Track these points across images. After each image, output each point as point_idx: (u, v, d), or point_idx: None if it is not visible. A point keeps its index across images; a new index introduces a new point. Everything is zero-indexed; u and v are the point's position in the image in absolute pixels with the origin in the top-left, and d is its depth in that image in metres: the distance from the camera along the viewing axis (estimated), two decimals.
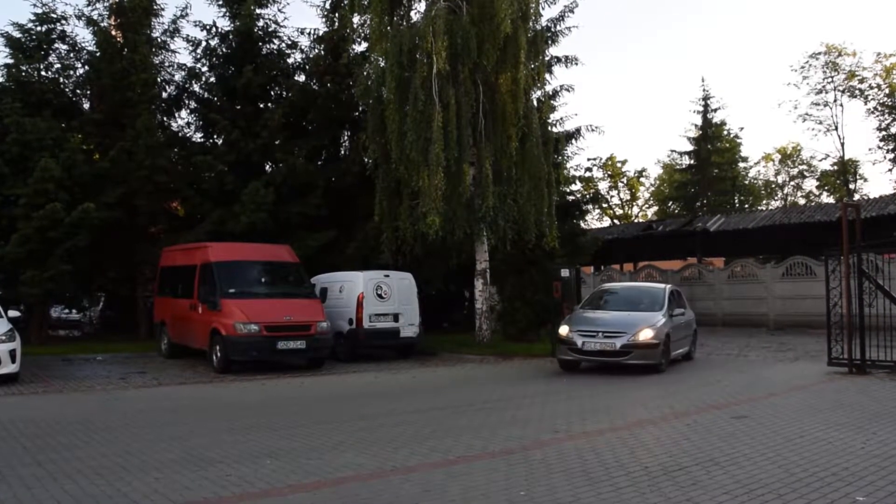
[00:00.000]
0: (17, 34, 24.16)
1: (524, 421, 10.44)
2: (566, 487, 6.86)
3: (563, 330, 16.36)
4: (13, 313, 16.32)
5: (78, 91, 26.12)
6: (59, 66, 25.40)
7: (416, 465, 7.87)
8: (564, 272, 20.22)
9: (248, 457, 8.28)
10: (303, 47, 28.05)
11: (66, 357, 19.63)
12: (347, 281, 19.63)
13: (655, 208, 63.98)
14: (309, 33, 27.99)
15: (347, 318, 19.01)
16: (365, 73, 22.78)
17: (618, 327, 15.93)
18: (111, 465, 7.89)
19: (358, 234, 24.06)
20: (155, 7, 25.85)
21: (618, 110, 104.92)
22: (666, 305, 16.88)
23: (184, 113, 27.94)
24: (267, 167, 26.30)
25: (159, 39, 26.36)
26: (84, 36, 25.30)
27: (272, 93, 27.41)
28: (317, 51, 27.85)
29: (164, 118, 27.09)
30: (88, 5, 25.23)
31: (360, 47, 26.60)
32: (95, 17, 25.28)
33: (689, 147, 54.45)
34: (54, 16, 24.70)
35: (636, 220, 59.47)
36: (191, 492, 6.87)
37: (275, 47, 27.45)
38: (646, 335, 15.56)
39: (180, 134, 27.48)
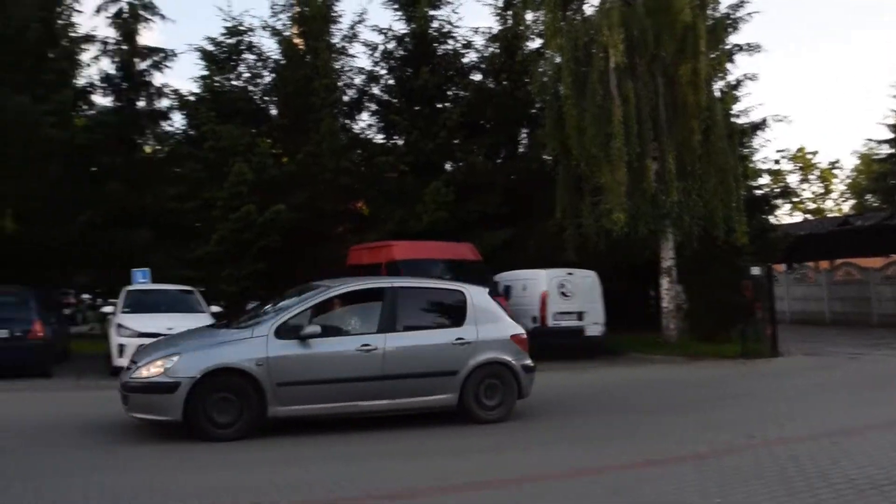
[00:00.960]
0: (210, 48, 25.61)
1: (716, 425, 10.04)
2: (764, 497, 6.53)
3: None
4: (214, 309, 17.52)
5: (266, 98, 27.22)
6: (247, 75, 26.62)
7: (605, 467, 7.79)
8: (755, 270, 19.38)
9: (371, 455, 8.48)
10: (477, 46, 28.17)
11: None
12: (530, 279, 19.59)
13: (852, 202, 60.19)
14: (483, 32, 28.16)
15: (531, 317, 18.93)
16: (540, 70, 22.76)
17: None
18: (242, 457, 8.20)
19: (538, 232, 24.01)
20: (334, 14, 26.62)
21: (806, 99, 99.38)
22: (279, 319, 9.65)
23: (365, 115, 28.58)
24: (447, 166, 26.69)
25: (339, 45, 27.15)
26: (269, 46, 26.49)
27: (449, 93, 27.71)
28: (491, 49, 27.97)
29: (346, 121, 27.83)
30: (273, 16, 26.31)
31: (535, 44, 26.44)
32: (279, 28, 26.31)
33: (889, 135, 50.75)
34: (242, 28, 25.91)
35: (831, 215, 56.20)
36: (317, 489, 7.07)
37: (450, 48, 27.71)
38: (150, 371, 9.14)
39: (362, 136, 28.17)
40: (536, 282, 19.28)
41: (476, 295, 10.84)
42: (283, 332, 9.45)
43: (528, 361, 10.67)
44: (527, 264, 21.42)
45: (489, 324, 10.58)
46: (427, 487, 7.03)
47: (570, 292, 19.17)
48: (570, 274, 19.52)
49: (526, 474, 7.51)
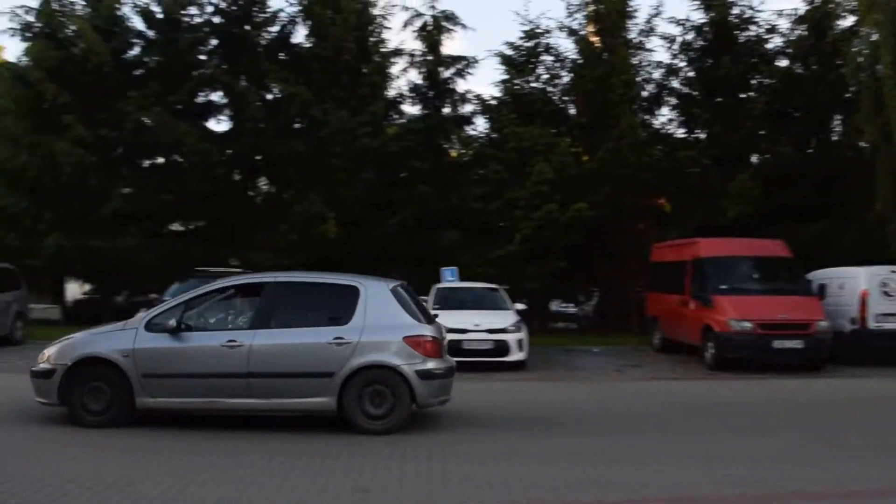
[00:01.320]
0: (509, 52, 26.58)
1: None
2: None
3: None
4: (519, 306, 18.21)
5: (564, 98, 27.72)
6: (546, 76, 27.23)
7: None
8: None
9: (747, 458, 8.18)
10: (782, 30, 26.77)
11: (566, 348, 21.05)
12: (848, 277, 18.26)
13: None
14: (788, 14, 26.67)
15: (849, 318, 17.68)
16: (854, 49, 21.37)
17: None
18: (590, 454, 8.34)
19: (855, 226, 22.41)
20: (629, 9, 26.48)
21: None
22: (151, 313, 10.11)
23: (665, 109, 28.21)
24: (752, 158, 25.82)
25: (636, 40, 26.97)
26: (566, 46, 26.97)
27: (753, 81, 26.59)
28: (798, 32, 26.46)
29: (646, 116, 27.63)
30: (568, 16, 26.76)
31: (847, 22, 24.91)
32: (575, 27, 26.74)
33: None
34: (539, 31, 26.60)
35: None
36: (686, 488, 7.04)
37: (752, 34, 26.58)
38: (43, 358, 9.91)
39: (662, 131, 27.84)
40: (855, 280, 17.91)
41: (373, 292, 9.81)
42: (153, 325, 9.56)
43: (430, 366, 9.49)
44: (842, 261, 20.05)
45: (381, 324, 9.56)
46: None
47: (895, 292, 17.69)
48: (893, 272, 17.96)
49: (803, 490, 7.13)
